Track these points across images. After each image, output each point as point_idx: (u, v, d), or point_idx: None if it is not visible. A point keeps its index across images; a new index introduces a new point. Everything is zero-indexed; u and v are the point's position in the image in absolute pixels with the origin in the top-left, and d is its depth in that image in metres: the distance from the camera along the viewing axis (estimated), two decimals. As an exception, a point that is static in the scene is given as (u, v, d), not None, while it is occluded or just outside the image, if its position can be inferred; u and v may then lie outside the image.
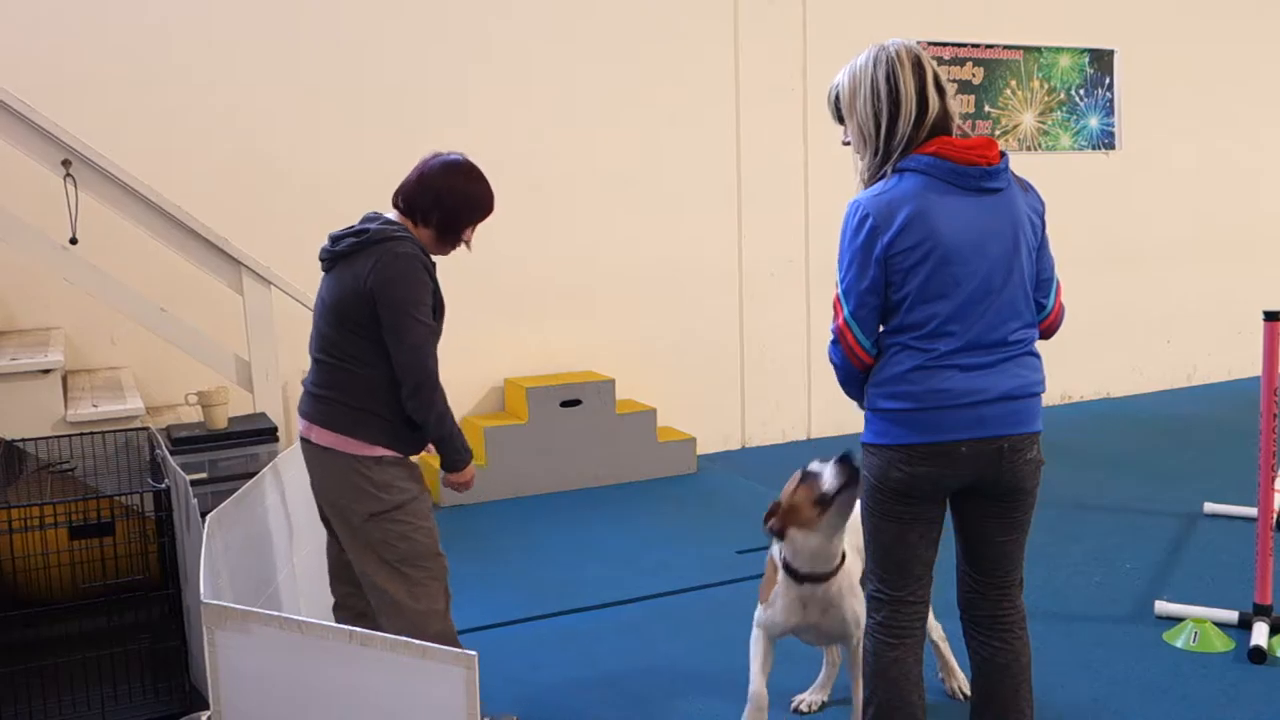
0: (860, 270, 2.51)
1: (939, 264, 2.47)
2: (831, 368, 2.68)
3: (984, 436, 2.50)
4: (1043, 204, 2.75)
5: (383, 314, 2.87)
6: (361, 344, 2.92)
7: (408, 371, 2.89)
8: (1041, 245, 2.74)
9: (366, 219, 3.08)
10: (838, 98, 2.64)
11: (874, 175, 2.57)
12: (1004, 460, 2.53)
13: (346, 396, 2.94)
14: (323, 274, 3.06)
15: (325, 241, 3.06)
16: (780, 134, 6.94)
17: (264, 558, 3.30)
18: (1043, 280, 2.72)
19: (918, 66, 2.53)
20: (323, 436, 2.96)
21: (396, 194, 3.15)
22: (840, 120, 2.66)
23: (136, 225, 4.69)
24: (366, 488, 2.91)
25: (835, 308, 2.58)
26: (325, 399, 2.97)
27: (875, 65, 2.54)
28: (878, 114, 2.53)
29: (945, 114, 2.54)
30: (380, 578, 2.93)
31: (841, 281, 2.56)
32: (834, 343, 2.62)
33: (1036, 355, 2.65)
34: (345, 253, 2.97)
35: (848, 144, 2.66)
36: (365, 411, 2.92)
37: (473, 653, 1.91)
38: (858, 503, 2.76)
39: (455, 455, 3.04)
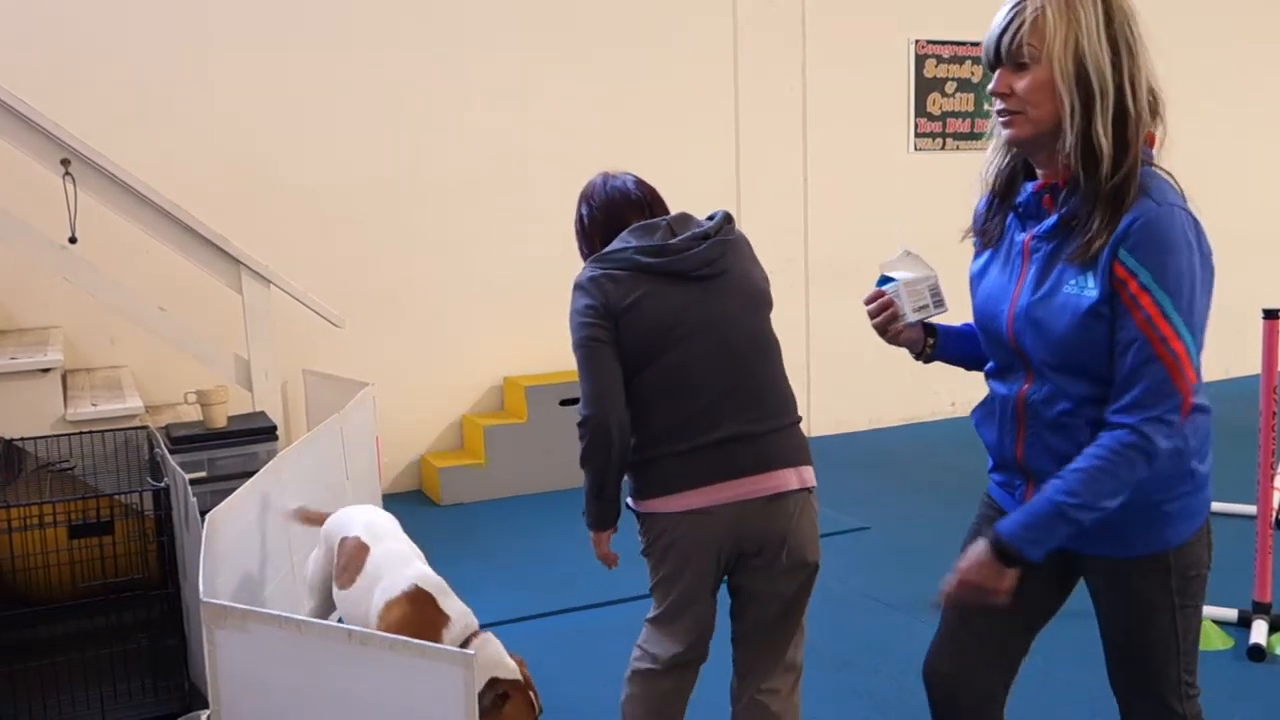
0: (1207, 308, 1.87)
1: None
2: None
3: None
4: None
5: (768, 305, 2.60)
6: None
7: None
8: None
9: (698, 222, 2.57)
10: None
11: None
12: None
13: (795, 407, 2.61)
14: (688, 282, 2.45)
15: (680, 244, 2.48)
16: (779, 133, 6.94)
17: (263, 557, 3.31)
18: None
19: None
20: (805, 476, 2.53)
21: (654, 207, 2.65)
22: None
23: (135, 224, 4.69)
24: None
25: (1184, 365, 1.80)
26: (792, 428, 2.57)
27: None
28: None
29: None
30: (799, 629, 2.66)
31: (1190, 322, 1.81)
32: (1171, 430, 1.83)
33: None
34: (721, 270, 2.50)
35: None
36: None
37: (471, 652, 1.91)
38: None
39: None
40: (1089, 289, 1.85)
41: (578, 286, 2.46)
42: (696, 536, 2.43)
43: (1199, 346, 1.83)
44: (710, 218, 2.58)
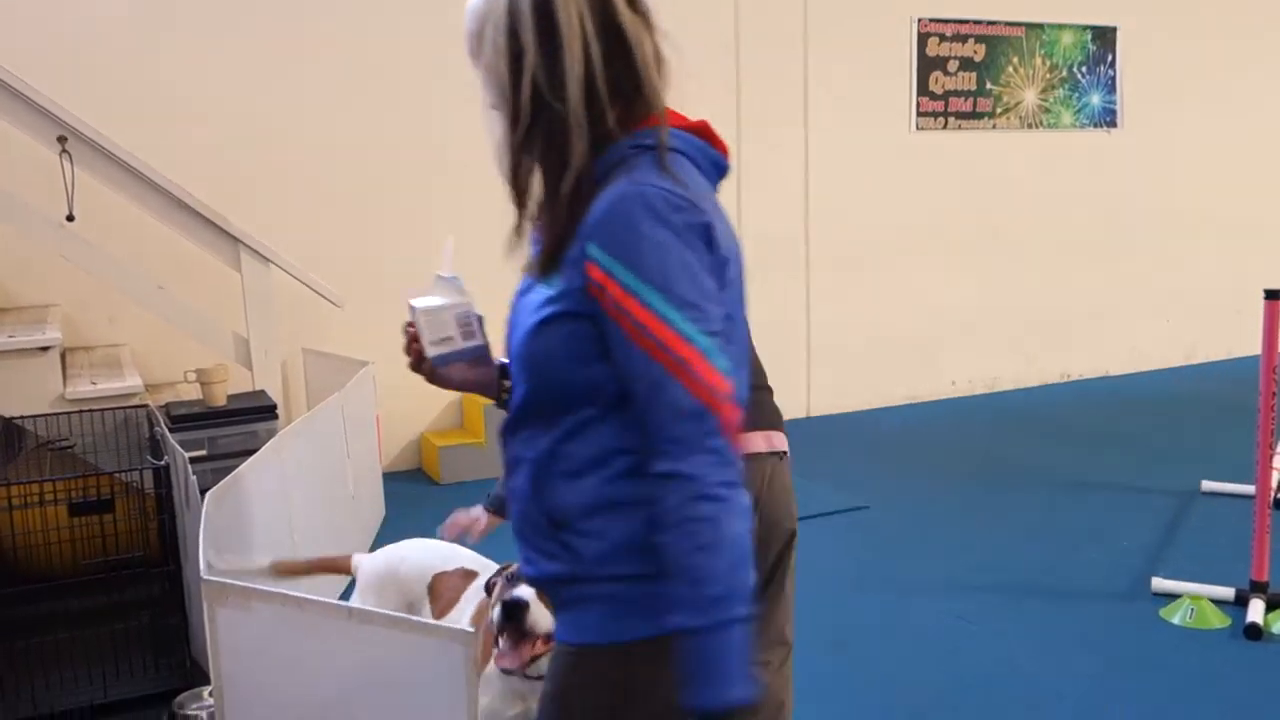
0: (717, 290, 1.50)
1: (737, 304, 1.57)
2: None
3: None
4: None
5: None
6: None
7: None
8: None
9: None
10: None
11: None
12: None
13: None
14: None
15: None
16: (781, 109, 6.92)
17: (264, 534, 3.31)
18: None
19: None
20: (778, 440, 2.55)
21: None
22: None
23: (134, 202, 4.68)
24: None
25: (699, 370, 1.41)
26: (761, 393, 2.50)
27: None
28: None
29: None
30: None
31: (696, 316, 1.42)
32: (723, 451, 1.42)
33: None
34: None
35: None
36: None
37: (470, 629, 1.91)
38: None
39: None
40: (548, 290, 1.49)
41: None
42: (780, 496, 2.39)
43: (723, 341, 1.44)
44: None
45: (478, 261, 5.75)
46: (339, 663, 2.03)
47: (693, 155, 1.58)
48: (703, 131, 1.62)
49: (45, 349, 4.31)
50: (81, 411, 4.17)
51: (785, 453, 2.52)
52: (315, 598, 2.11)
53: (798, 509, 2.53)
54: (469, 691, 1.92)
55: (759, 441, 2.47)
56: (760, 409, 2.52)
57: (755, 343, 2.46)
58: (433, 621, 1.97)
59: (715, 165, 1.62)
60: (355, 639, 2.00)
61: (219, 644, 2.14)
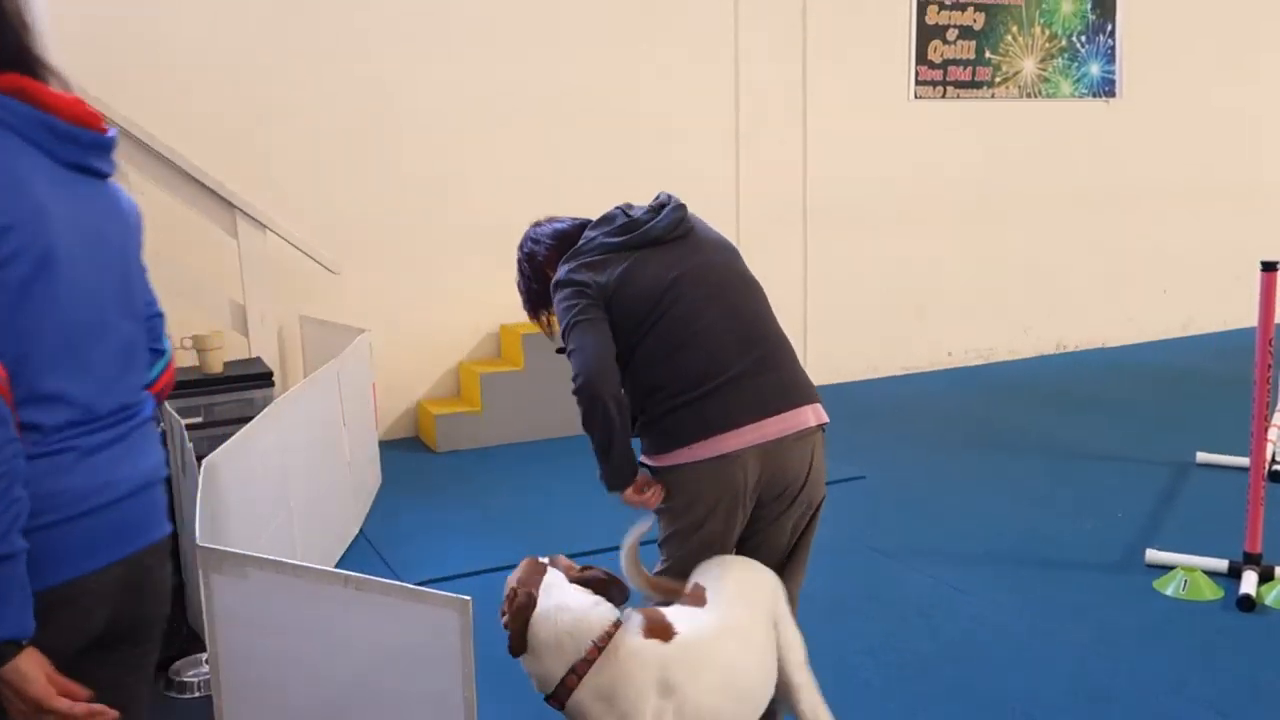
0: None
1: (40, 269, 1.52)
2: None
3: (121, 556, 1.62)
4: (139, 210, 1.84)
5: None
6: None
7: None
8: (142, 269, 1.87)
9: (656, 204, 2.61)
10: None
11: None
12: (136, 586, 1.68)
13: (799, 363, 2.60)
14: (665, 245, 2.52)
15: (642, 216, 2.56)
16: (779, 77, 6.88)
17: (260, 502, 3.32)
18: (152, 317, 1.89)
19: None
20: (820, 413, 2.56)
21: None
22: None
23: (130, 168, 4.65)
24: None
25: None
26: (797, 371, 2.56)
27: None
28: None
29: (30, 35, 1.58)
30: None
31: None
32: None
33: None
34: (687, 230, 2.58)
35: None
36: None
37: (467, 597, 1.92)
38: None
39: None
40: None
41: (558, 285, 2.49)
42: (724, 481, 2.41)
43: None
44: (656, 199, 2.63)
45: (476, 225, 5.65)
46: (336, 630, 2.04)
47: (14, 124, 1.53)
48: (30, 93, 1.54)
49: (41, 315, 4.29)
50: (78, 378, 4.16)
51: (826, 424, 2.55)
52: (312, 565, 2.11)
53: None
54: (464, 658, 1.93)
55: (809, 416, 2.51)
56: (804, 378, 2.55)
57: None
58: (428, 590, 1.98)
59: (52, 131, 1.57)
60: (352, 606, 2.00)
61: (215, 611, 2.14)
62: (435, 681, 1.97)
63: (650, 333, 2.43)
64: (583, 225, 2.64)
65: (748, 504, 2.47)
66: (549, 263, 2.63)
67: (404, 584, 2.00)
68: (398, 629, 1.99)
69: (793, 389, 2.48)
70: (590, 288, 2.44)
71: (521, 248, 2.72)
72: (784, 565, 2.60)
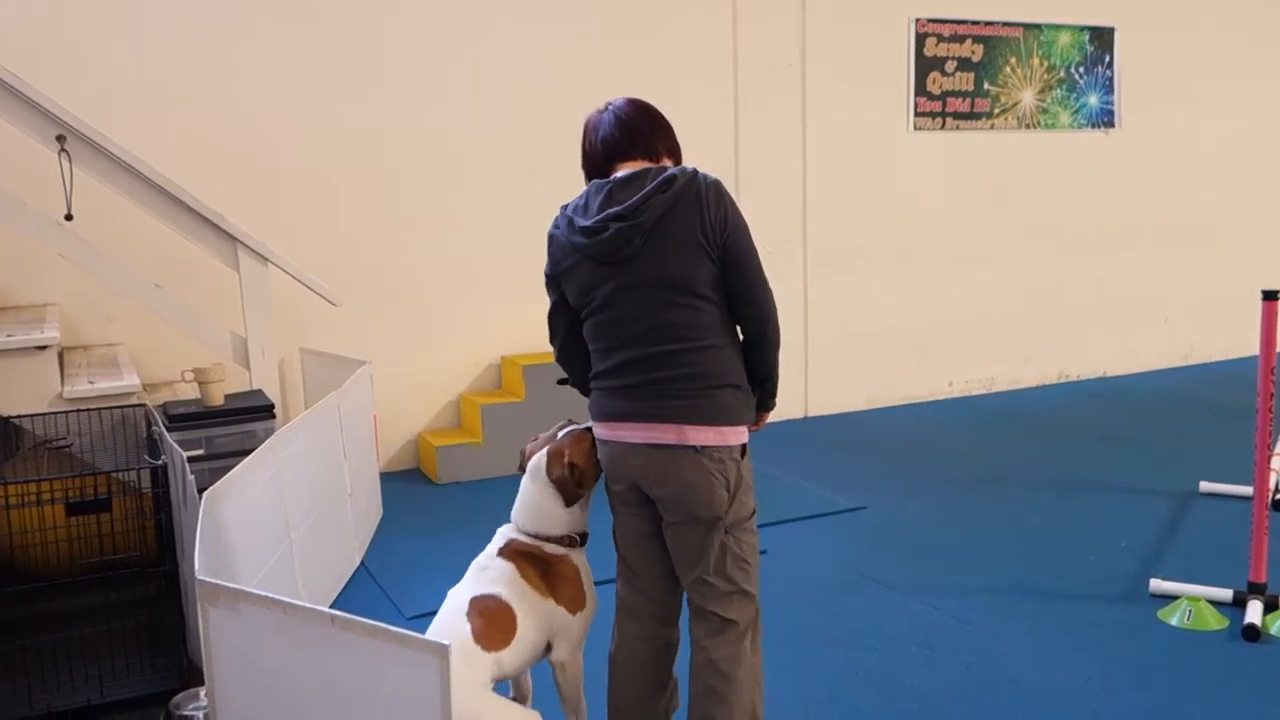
0: None
1: None
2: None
3: None
4: None
5: (737, 249, 2.54)
6: (712, 311, 2.58)
7: (766, 308, 2.60)
8: None
9: (632, 176, 2.60)
10: None
11: None
12: None
13: (712, 378, 2.58)
14: (601, 264, 2.62)
15: (595, 225, 2.59)
16: (778, 113, 6.92)
17: (262, 534, 3.31)
18: None
19: None
20: (700, 435, 2.57)
21: (627, 147, 2.68)
22: None
23: (132, 201, 4.68)
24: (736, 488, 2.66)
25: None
26: (697, 394, 2.58)
27: None
28: None
29: None
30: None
31: None
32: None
33: None
34: (658, 216, 2.52)
35: None
36: (731, 389, 2.61)
37: (446, 642, 1.89)
38: None
39: (776, 391, 2.76)
40: None
41: (549, 235, 2.83)
42: (607, 462, 2.79)
43: None
44: (659, 177, 2.55)
45: (477, 256, 5.67)
46: (322, 669, 2.02)
47: None
48: None
49: (43, 348, 4.30)
50: (79, 410, 4.17)
51: (701, 447, 2.59)
52: (300, 603, 2.10)
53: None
54: (444, 703, 1.91)
55: (669, 434, 2.60)
56: (689, 403, 2.60)
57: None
58: (410, 633, 1.95)
59: None
60: (336, 646, 1.99)
61: (212, 644, 2.13)
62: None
63: (587, 320, 2.75)
64: (608, 158, 2.73)
65: (632, 492, 2.73)
66: (584, 166, 2.82)
67: (387, 626, 1.97)
68: (380, 671, 1.97)
69: (664, 409, 2.60)
70: (549, 273, 2.88)
71: (583, 132, 2.80)
72: (687, 577, 2.74)
